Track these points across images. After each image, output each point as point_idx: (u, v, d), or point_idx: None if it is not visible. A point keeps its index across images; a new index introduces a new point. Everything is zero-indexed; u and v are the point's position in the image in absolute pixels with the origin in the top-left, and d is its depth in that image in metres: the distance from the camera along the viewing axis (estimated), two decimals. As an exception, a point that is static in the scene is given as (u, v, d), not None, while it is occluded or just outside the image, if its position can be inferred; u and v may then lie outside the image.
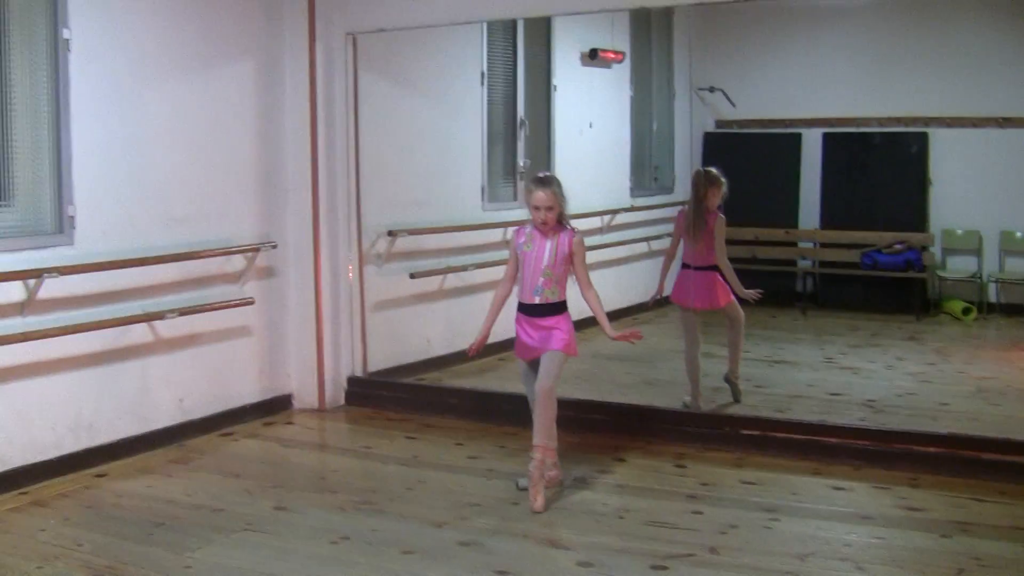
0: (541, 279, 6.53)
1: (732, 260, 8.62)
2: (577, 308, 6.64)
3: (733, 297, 8.59)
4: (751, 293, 8.56)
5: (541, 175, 6.61)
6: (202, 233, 8.00)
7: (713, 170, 8.64)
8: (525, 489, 6.61)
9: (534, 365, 6.64)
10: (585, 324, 11.81)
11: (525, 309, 6.62)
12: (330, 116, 8.74)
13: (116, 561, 5.67)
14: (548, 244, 6.53)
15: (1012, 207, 12.56)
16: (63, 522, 6.27)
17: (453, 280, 10.12)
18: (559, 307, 6.61)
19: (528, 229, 6.64)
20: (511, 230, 6.87)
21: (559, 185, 6.54)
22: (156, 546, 5.89)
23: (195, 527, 6.19)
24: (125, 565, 5.62)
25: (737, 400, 8.78)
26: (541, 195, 6.46)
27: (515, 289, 6.76)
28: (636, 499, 6.69)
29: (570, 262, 6.57)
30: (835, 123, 13.55)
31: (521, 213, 10.89)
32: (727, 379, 8.89)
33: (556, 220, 6.52)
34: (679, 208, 9.02)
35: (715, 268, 8.56)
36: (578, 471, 7.20)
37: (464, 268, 10.04)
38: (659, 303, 9.39)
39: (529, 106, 11.20)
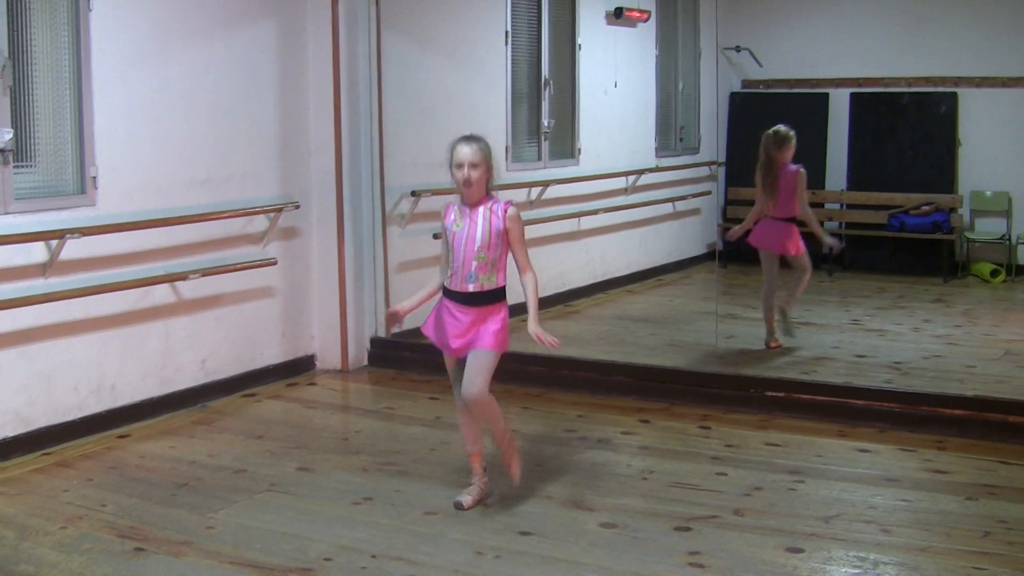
0: (475, 263, 5.62)
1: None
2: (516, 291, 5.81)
3: (804, 251, 9.05)
4: (832, 241, 9.42)
5: (468, 134, 5.69)
6: (224, 194, 7.98)
7: (781, 129, 9.00)
8: (461, 507, 5.88)
9: (462, 362, 5.78)
10: (610, 285, 11.84)
11: (456, 297, 5.70)
12: (353, 76, 8.69)
13: (139, 522, 5.68)
14: (480, 221, 5.61)
15: (1042, 169, 12.45)
16: (86, 483, 6.28)
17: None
18: (497, 295, 5.73)
19: (456, 206, 5.74)
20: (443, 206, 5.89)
21: (488, 147, 5.66)
22: (179, 507, 5.91)
23: (218, 488, 6.20)
24: (148, 526, 5.63)
25: (789, 334, 9.31)
26: (465, 150, 5.57)
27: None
28: (660, 461, 6.67)
29: (506, 240, 5.69)
30: (863, 83, 13.43)
31: (545, 173, 10.89)
32: (781, 310, 9.26)
33: (483, 186, 5.63)
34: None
35: (792, 220, 9.02)
36: (602, 433, 7.18)
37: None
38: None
39: (553, 66, 11.13)
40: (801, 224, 9.08)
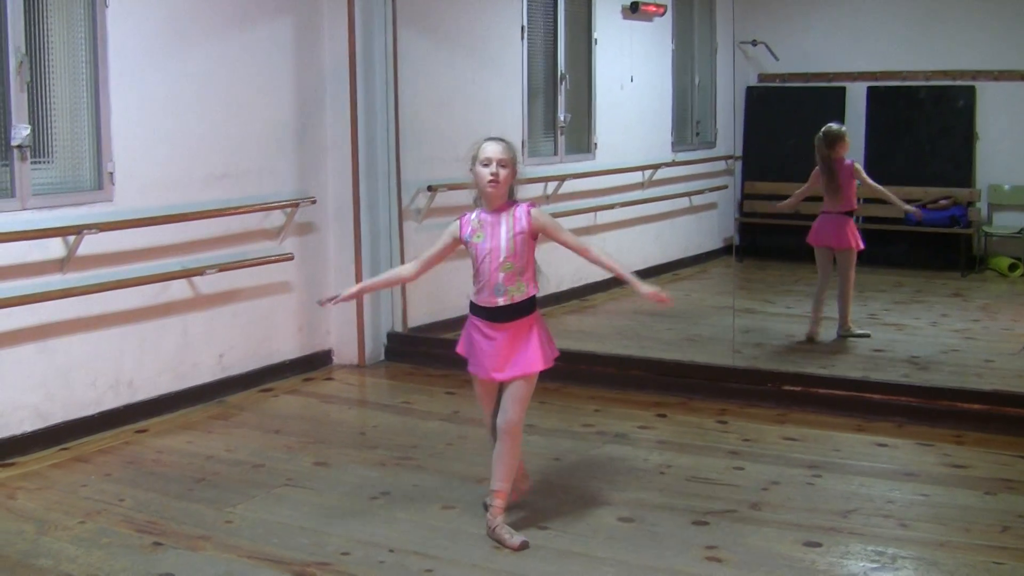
0: (501, 275, 5.24)
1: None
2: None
3: (854, 245, 9.21)
4: (913, 210, 10.20)
5: (495, 136, 5.38)
6: (241, 189, 7.99)
7: (832, 127, 9.26)
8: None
9: (493, 388, 5.48)
10: (615, 283, 11.80)
11: (486, 314, 5.32)
12: (369, 71, 8.70)
13: (157, 516, 5.70)
14: (503, 229, 5.26)
15: (1060, 163, 12.39)
16: (104, 478, 6.30)
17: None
18: (529, 306, 5.34)
19: (473, 216, 5.36)
20: (451, 225, 5.45)
21: (515, 149, 5.37)
22: (197, 502, 5.92)
23: (235, 483, 6.22)
24: (166, 520, 5.64)
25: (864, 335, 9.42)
26: (495, 147, 5.26)
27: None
28: (677, 455, 6.66)
29: (533, 243, 5.32)
30: (880, 77, 13.36)
31: (561, 168, 10.88)
32: (840, 336, 9.31)
33: (507, 189, 5.30)
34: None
35: (850, 213, 9.30)
36: (619, 427, 7.18)
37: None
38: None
39: (569, 60, 11.12)
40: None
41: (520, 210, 5.29)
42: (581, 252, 5.35)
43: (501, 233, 5.26)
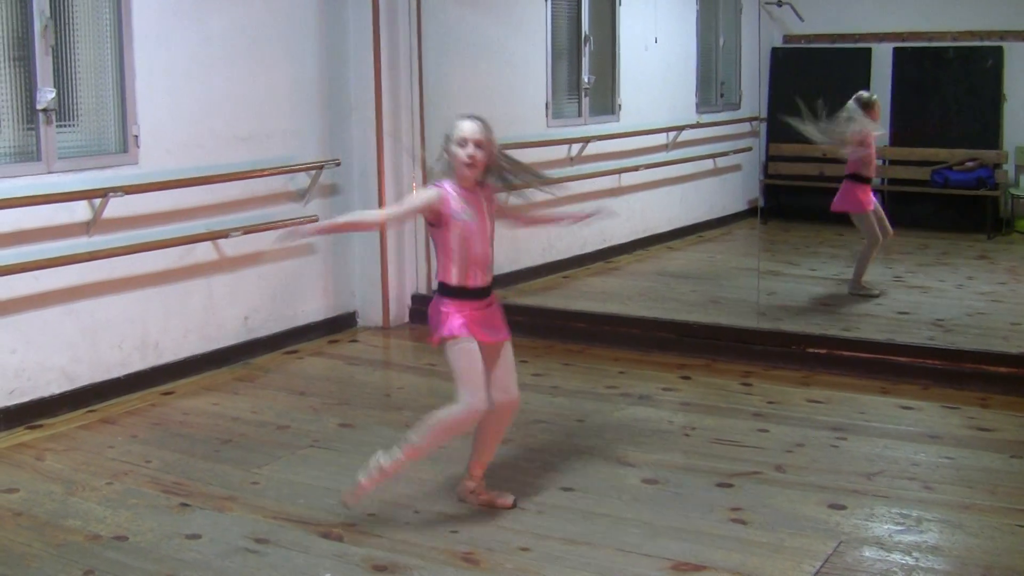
0: (491, 251, 5.22)
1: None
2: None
3: (858, 210, 9.35)
4: None
5: (472, 113, 5.08)
6: (266, 151, 7.99)
7: (863, 95, 9.49)
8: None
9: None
10: (650, 241, 11.80)
11: (475, 294, 5.17)
12: (393, 33, 8.67)
13: (184, 477, 5.74)
14: (484, 207, 5.14)
15: (1088, 123, 12.29)
16: (131, 439, 6.34)
17: (516, 197, 10.04)
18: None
19: (451, 191, 5.04)
20: (432, 190, 5.08)
21: (490, 127, 5.07)
22: (223, 463, 5.96)
23: (261, 444, 6.25)
24: (193, 481, 5.68)
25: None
26: (470, 126, 4.99)
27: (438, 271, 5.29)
28: (702, 417, 6.66)
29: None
30: (906, 37, 13.26)
31: (584, 130, 10.85)
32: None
33: (483, 169, 5.07)
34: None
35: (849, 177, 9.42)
36: (643, 389, 7.18)
37: (528, 185, 9.94)
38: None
39: (594, 21, 11.07)
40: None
41: (489, 191, 5.18)
42: (526, 219, 5.78)
43: (485, 212, 5.12)
